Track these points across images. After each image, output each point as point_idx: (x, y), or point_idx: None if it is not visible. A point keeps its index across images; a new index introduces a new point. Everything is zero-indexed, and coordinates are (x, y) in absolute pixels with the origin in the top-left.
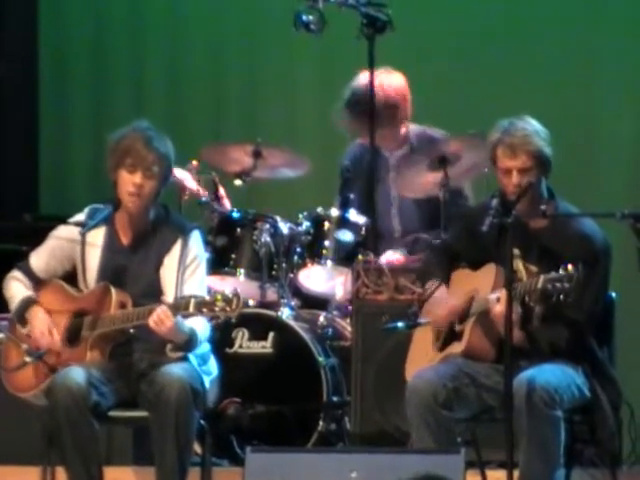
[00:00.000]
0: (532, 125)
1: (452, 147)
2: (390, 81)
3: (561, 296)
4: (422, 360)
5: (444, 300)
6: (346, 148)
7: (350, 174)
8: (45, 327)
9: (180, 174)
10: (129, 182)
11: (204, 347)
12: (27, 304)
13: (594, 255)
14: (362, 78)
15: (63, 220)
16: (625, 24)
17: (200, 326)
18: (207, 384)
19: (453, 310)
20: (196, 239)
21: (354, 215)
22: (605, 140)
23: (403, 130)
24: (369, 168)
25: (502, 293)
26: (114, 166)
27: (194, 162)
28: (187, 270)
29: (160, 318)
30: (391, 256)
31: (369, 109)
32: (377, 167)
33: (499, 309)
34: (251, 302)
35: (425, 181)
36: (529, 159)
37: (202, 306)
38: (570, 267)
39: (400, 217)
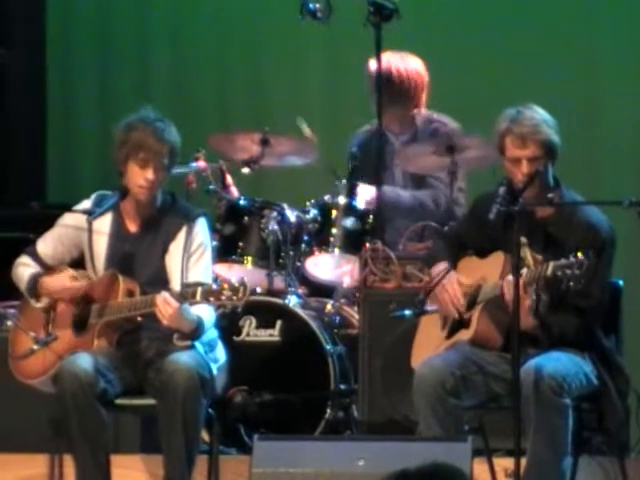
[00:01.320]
0: (540, 114)
1: (461, 141)
2: (407, 63)
3: (571, 283)
4: (429, 347)
5: (454, 280)
6: (353, 135)
7: (357, 162)
8: (66, 279)
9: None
10: (140, 176)
11: (211, 334)
12: (36, 278)
13: (600, 244)
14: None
15: (70, 208)
16: (626, 11)
17: (205, 313)
18: (215, 371)
19: (463, 293)
20: (202, 226)
21: (361, 203)
22: (607, 128)
23: (412, 114)
24: (377, 153)
25: (521, 277)
26: (124, 158)
27: (200, 157)
28: (192, 257)
29: (162, 305)
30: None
31: (385, 92)
32: (384, 153)
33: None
34: (259, 290)
35: (429, 162)
36: (539, 148)
37: (209, 295)
38: (580, 254)
39: None
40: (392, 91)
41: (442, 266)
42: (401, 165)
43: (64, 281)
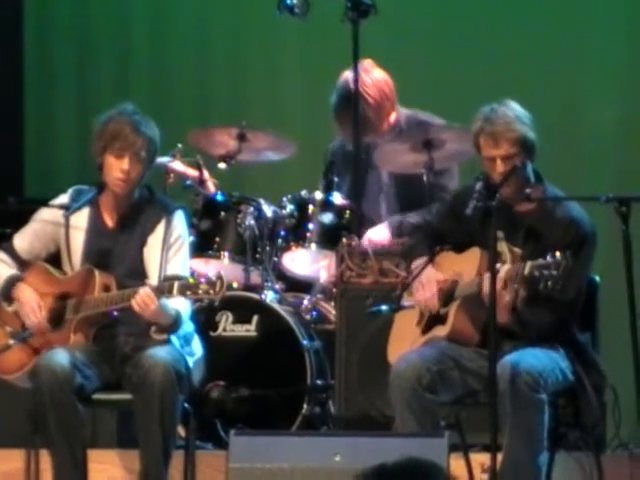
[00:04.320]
0: (513, 110)
1: (438, 134)
2: (371, 82)
3: (548, 282)
4: (405, 343)
5: (433, 279)
6: (335, 136)
7: (335, 157)
8: (34, 304)
9: (168, 162)
10: (117, 168)
11: (187, 327)
12: (13, 282)
13: (581, 239)
14: (342, 80)
15: (47, 203)
16: (609, 7)
17: (182, 306)
18: (191, 365)
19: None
20: (180, 219)
21: (338, 198)
22: (589, 124)
23: (392, 118)
24: (356, 158)
25: (502, 273)
26: (100, 150)
27: (179, 145)
28: (171, 249)
29: (144, 301)
30: (376, 234)
31: (352, 107)
32: (369, 154)
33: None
34: (235, 285)
35: (406, 160)
36: (512, 146)
37: (186, 289)
38: (558, 254)
39: (387, 203)
40: (363, 122)
41: (420, 261)
42: (380, 165)
43: (32, 303)
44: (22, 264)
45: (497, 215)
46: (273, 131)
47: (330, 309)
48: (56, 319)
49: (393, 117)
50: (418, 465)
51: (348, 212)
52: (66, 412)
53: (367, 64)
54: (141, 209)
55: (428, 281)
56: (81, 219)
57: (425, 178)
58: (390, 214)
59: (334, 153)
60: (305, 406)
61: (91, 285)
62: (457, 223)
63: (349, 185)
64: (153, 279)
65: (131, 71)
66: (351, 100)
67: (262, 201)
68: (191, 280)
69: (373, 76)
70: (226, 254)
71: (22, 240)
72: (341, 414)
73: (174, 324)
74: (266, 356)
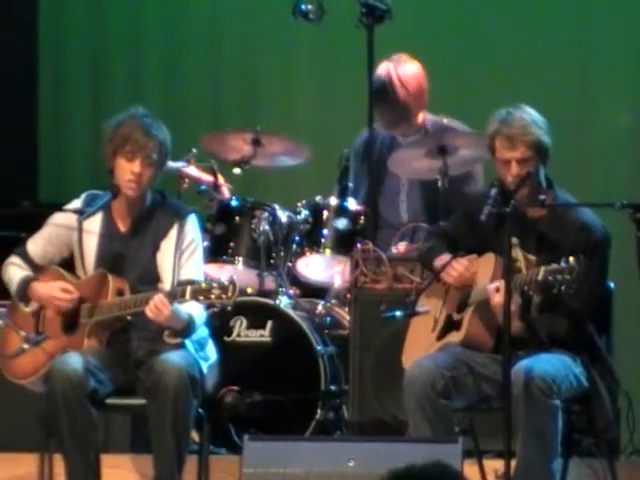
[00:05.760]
0: (530, 114)
1: (452, 140)
2: (408, 73)
3: (562, 287)
4: (419, 348)
5: (461, 260)
6: (355, 138)
7: (349, 163)
8: (56, 290)
9: (182, 167)
10: (128, 170)
11: (201, 332)
12: (27, 282)
13: (594, 244)
14: (380, 69)
15: (61, 207)
16: (621, 13)
17: (196, 311)
18: (205, 370)
19: (468, 270)
20: (192, 223)
21: (352, 204)
22: (601, 129)
23: (420, 118)
24: (379, 155)
25: (501, 283)
26: (111, 153)
27: (193, 150)
28: (184, 254)
29: (157, 307)
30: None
31: (387, 101)
32: (390, 153)
33: (498, 299)
34: (249, 291)
35: (421, 166)
36: (528, 149)
37: (198, 294)
38: (572, 259)
39: (408, 204)
40: (395, 113)
41: (445, 257)
42: (395, 171)
43: (54, 292)
44: (36, 269)
45: (511, 221)
46: (288, 136)
47: (344, 314)
48: (70, 323)
49: (421, 117)
50: (446, 471)
51: (363, 218)
52: (79, 416)
53: (405, 56)
54: (153, 214)
55: (456, 261)
56: (94, 224)
57: (440, 184)
58: (412, 216)
59: (355, 151)
60: (319, 411)
61: (105, 290)
62: (471, 230)
63: (367, 187)
64: (167, 284)
65: (144, 77)
66: (398, 85)
67: (277, 206)
68: (204, 285)
69: (413, 67)
70: (240, 259)
71: (35, 245)
72: (355, 419)
73: (187, 328)
74: (280, 361)
